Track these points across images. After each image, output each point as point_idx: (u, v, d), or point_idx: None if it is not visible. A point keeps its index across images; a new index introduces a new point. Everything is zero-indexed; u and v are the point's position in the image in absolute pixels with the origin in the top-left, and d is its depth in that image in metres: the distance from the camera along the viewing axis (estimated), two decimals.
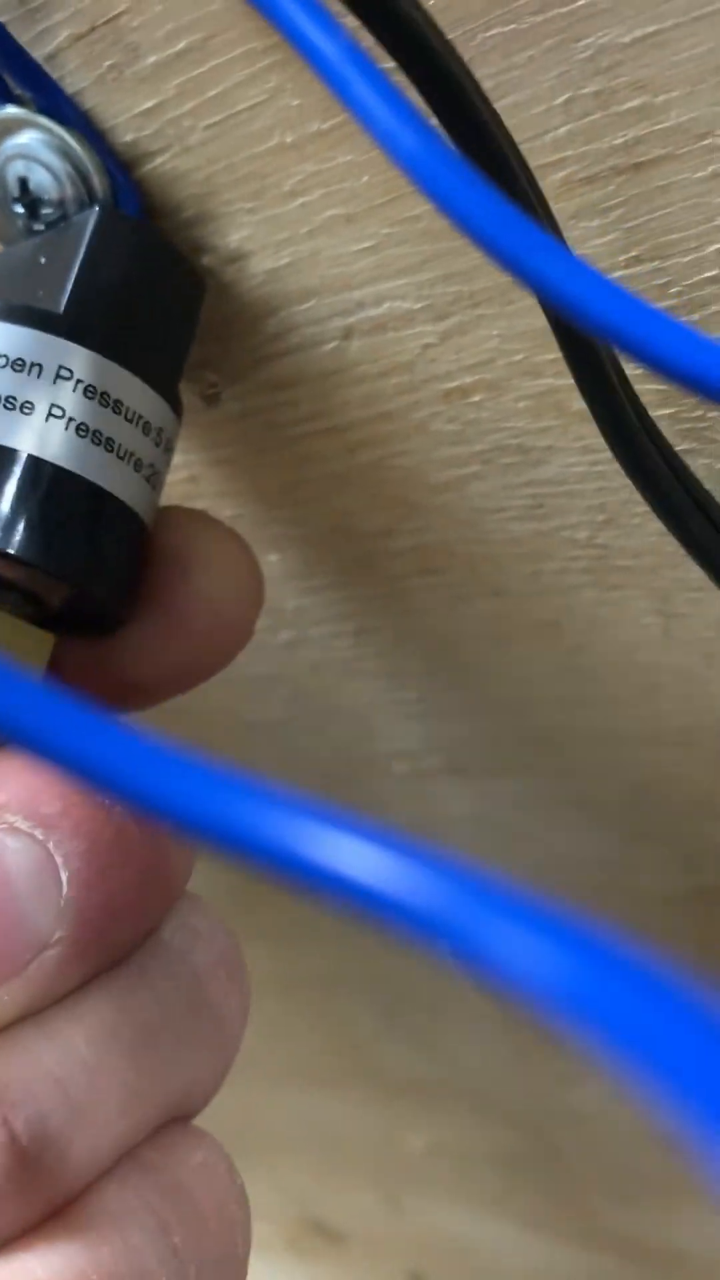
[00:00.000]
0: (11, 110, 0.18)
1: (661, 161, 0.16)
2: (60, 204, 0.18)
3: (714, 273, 0.16)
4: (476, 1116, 0.37)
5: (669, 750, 0.23)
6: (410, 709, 0.24)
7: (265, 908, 0.35)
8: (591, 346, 0.15)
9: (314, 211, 0.18)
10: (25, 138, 0.18)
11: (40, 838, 0.14)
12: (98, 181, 0.18)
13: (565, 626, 0.21)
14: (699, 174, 0.15)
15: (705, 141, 0.15)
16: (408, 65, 0.14)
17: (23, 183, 0.18)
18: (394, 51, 0.13)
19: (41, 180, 0.18)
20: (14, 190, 0.18)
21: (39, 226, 0.18)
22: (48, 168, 0.18)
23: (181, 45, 0.17)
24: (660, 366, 0.11)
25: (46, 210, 0.18)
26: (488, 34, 0.15)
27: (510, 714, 0.23)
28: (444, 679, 0.24)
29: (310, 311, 0.19)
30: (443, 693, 0.24)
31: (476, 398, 0.19)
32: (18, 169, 0.18)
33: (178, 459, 0.22)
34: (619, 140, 0.15)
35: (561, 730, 0.23)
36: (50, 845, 0.14)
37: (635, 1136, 0.37)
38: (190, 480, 0.22)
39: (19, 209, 0.18)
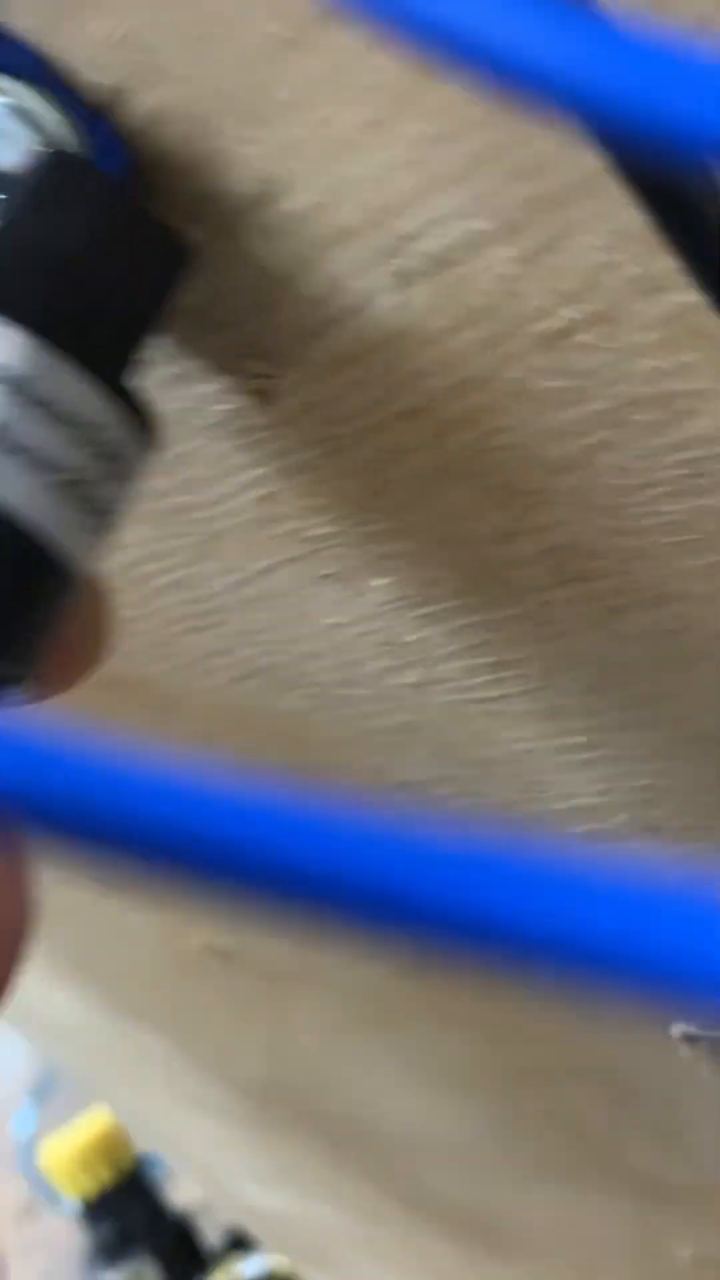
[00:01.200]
0: None
1: None
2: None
3: None
4: None
5: None
6: (578, 755, 0.19)
7: (474, 1001, 0.31)
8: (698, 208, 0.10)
9: (328, 124, 0.13)
10: None
11: None
12: (67, 140, 0.14)
13: None
14: None
15: None
16: None
17: None
18: None
19: (3, 156, 0.15)
20: None
21: None
22: (7, 137, 0.14)
23: None
24: None
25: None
26: None
27: (706, 752, 0.18)
28: (614, 716, 0.18)
29: (353, 258, 0.14)
30: (615, 733, 0.18)
31: (585, 337, 0.14)
32: None
33: (247, 474, 0.18)
34: None
35: None
36: None
37: None
38: (267, 499, 0.18)
39: None
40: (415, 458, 0.16)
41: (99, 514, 0.13)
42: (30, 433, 0.12)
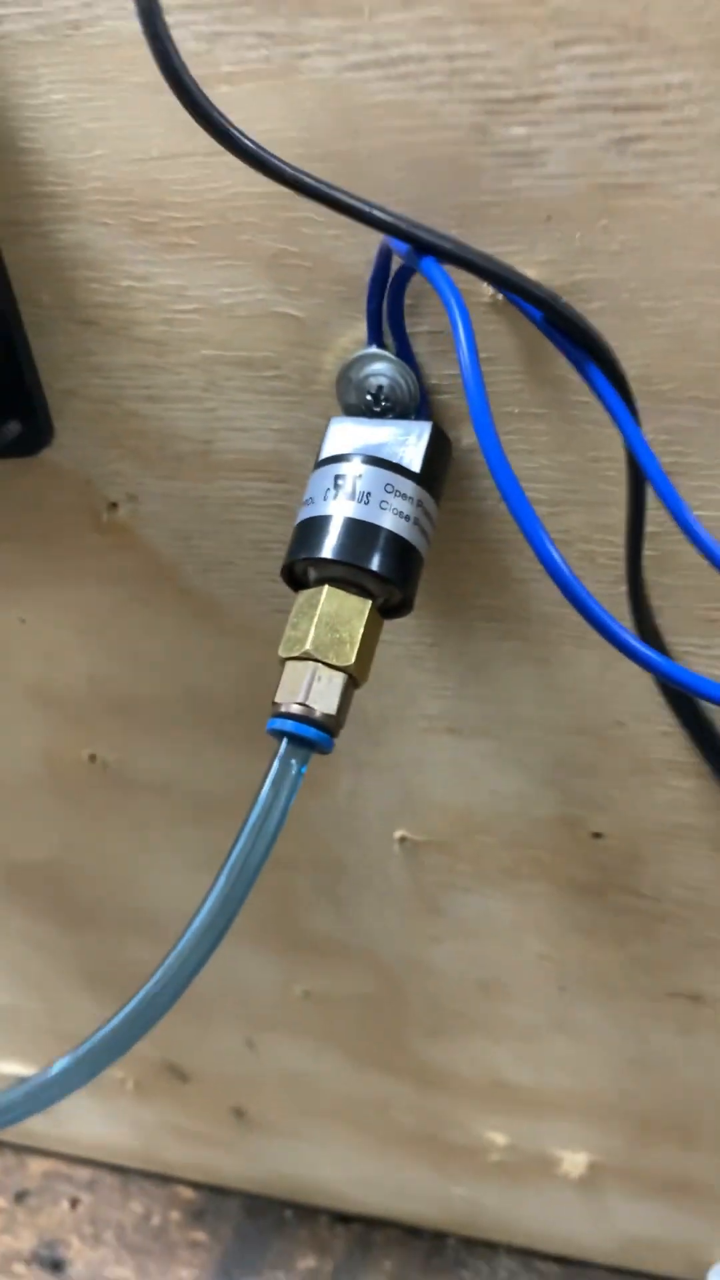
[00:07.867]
0: (377, 350, 0.34)
1: None
2: (393, 402, 0.35)
3: None
4: (352, 965, 0.54)
5: None
6: None
7: None
8: None
9: None
10: (380, 365, 0.35)
11: None
12: (414, 394, 0.35)
13: None
14: None
15: None
16: None
17: (378, 388, 0.35)
18: None
19: (387, 387, 0.35)
20: (371, 390, 0.35)
21: (377, 409, 0.35)
22: (391, 380, 0.35)
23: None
24: None
25: (385, 403, 0.35)
26: None
27: None
28: None
29: None
30: None
31: None
32: (375, 381, 0.35)
33: None
34: None
35: None
36: None
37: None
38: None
39: (369, 398, 0.35)
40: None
41: (426, 529, 0.34)
42: (407, 514, 0.33)
